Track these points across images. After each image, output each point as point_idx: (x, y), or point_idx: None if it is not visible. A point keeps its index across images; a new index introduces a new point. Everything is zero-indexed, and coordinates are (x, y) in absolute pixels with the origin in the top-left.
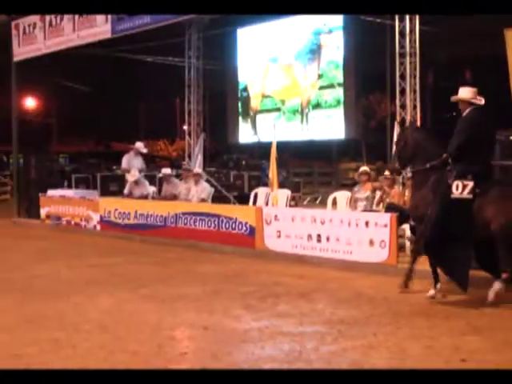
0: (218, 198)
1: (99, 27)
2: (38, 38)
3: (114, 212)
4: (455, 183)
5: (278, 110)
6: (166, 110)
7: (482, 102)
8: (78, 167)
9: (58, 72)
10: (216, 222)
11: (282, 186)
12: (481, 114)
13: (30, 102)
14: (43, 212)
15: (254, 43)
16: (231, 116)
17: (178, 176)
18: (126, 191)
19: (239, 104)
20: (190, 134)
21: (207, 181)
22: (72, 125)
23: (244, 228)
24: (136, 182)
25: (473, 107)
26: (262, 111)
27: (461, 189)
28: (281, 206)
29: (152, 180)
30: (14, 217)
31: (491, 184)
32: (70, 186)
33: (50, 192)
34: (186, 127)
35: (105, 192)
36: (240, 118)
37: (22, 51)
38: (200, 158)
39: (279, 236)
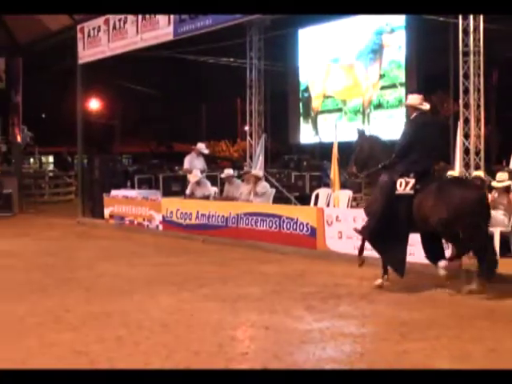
0: (279, 199)
1: (162, 29)
2: (103, 40)
3: (176, 212)
4: (399, 181)
5: (340, 110)
6: (227, 111)
7: (428, 107)
8: (141, 168)
9: (122, 74)
10: (277, 223)
11: (343, 186)
12: (425, 117)
13: (94, 104)
14: (107, 212)
15: (316, 43)
16: (292, 117)
17: (239, 177)
18: (187, 192)
19: (300, 104)
20: (251, 135)
21: (268, 181)
22: (135, 126)
23: (305, 229)
24: (198, 183)
25: (419, 112)
26: (323, 112)
27: (404, 186)
28: (342, 207)
29: (214, 181)
30: (78, 216)
31: (430, 181)
32: (132, 187)
33: (114, 192)
34: (247, 128)
35: (167, 192)
36: (301, 119)
37: (86, 54)
38: (261, 158)
39: (340, 237)
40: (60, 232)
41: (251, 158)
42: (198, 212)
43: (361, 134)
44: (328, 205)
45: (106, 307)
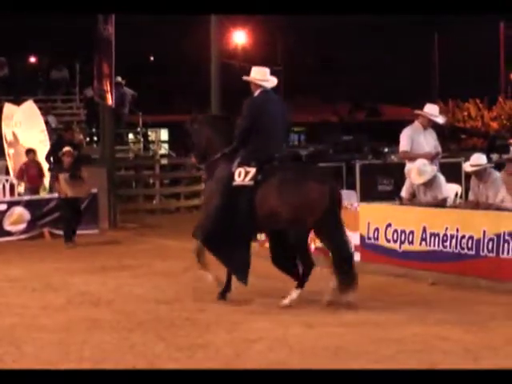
0: None
1: None
2: None
3: (386, 229)
4: (238, 170)
5: None
6: (478, 45)
7: (273, 83)
8: (323, 149)
9: None
10: None
11: None
12: (268, 96)
13: (240, 39)
14: None
15: None
16: None
17: (499, 166)
18: (403, 193)
19: None
20: None
21: None
22: (312, 75)
23: None
24: (426, 182)
25: (261, 89)
26: None
27: (243, 176)
28: None
29: (454, 172)
30: None
31: (273, 170)
32: None
33: None
34: None
35: (369, 193)
36: None
37: None
38: None
39: None
40: (180, 263)
41: None
42: (424, 229)
43: (194, 118)
44: None
45: None
